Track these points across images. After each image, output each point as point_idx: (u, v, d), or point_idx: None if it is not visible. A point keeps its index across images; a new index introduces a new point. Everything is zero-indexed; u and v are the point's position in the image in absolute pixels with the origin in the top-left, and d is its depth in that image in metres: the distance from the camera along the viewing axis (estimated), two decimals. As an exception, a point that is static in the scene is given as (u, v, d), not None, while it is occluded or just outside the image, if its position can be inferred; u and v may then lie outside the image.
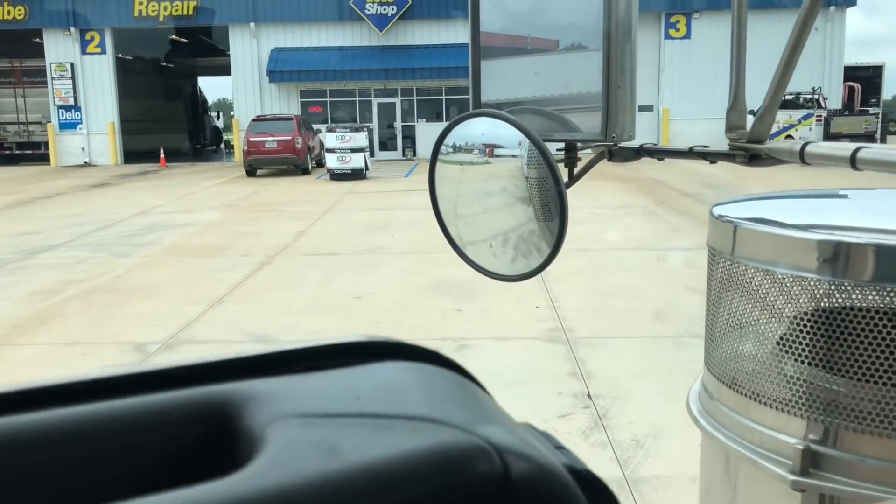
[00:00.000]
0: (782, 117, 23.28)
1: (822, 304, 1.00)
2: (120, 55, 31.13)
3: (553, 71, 1.31)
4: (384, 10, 29.06)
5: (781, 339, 1.04)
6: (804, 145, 1.03)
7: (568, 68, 1.29)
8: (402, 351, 0.40)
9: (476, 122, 1.22)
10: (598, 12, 1.18)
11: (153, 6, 29.41)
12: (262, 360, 0.37)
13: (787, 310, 1.03)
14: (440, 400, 0.36)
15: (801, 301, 1.02)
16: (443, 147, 1.25)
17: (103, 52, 30.19)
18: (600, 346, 5.99)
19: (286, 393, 0.34)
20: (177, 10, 29.47)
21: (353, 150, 21.33)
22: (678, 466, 3.98)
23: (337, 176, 21.44)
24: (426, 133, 30.39)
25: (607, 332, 6.30)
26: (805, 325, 1.00)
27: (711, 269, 1.17)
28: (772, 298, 1.04)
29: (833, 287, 0.99)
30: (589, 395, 5.00)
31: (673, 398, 4.90)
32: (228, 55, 31.11)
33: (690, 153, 1.17)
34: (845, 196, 1.39)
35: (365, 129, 22.64)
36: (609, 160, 1.28)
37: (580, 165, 1.32)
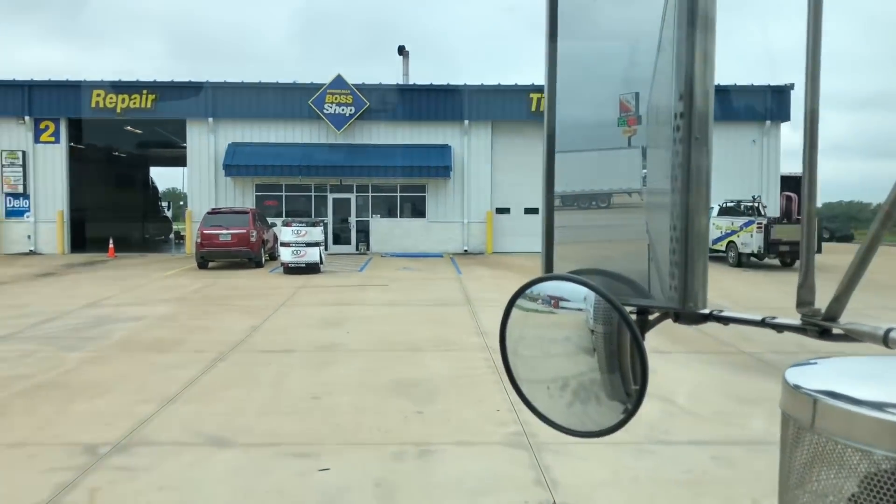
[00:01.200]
0: (724, 223, 24.15)
1: None
2: (72, 143, 31.03)
3: (621, 166, 1.37)
4: (342, 110, 29.76)
5: None
6: (888, 330, 1.02)
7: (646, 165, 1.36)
8: None
9: (552, 283, 1.31)
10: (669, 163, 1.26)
11: (111, 98, 29.59)
12: None
13: (881, 490, 0.99)
14: None
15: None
16: (519, 300, 1.33)
17: (57, 140, 30.08)
18: (563, 453, 5.99)
19: None
20: (135, 103, 29.68)
21: (309, 245, 21.38)
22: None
23: (291, 270, 21.39)
24: (380, 228, 30.72)
25: (570, 439, 6.30)
26: None
27: (790, 438, 1.14)
28: (862, 475, 1.00)
29: None
30: (554, 504, 4.97)
31: (638, 507, 4.92)
32: (183, 146, 31.29)
33: (762, 323, 1.18)
34: None
35: (321, 223, 22.77)
36: (675, 321, 1.31)
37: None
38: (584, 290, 1.25)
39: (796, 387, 1.11)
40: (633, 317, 1.28)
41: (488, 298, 15.79)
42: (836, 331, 1.11)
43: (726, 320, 1.25)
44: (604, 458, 5.87)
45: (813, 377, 1.14)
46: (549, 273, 1.41)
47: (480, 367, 9.12)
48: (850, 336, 1.09)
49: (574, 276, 1.29)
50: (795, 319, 1.16)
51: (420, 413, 7.18)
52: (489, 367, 9.08)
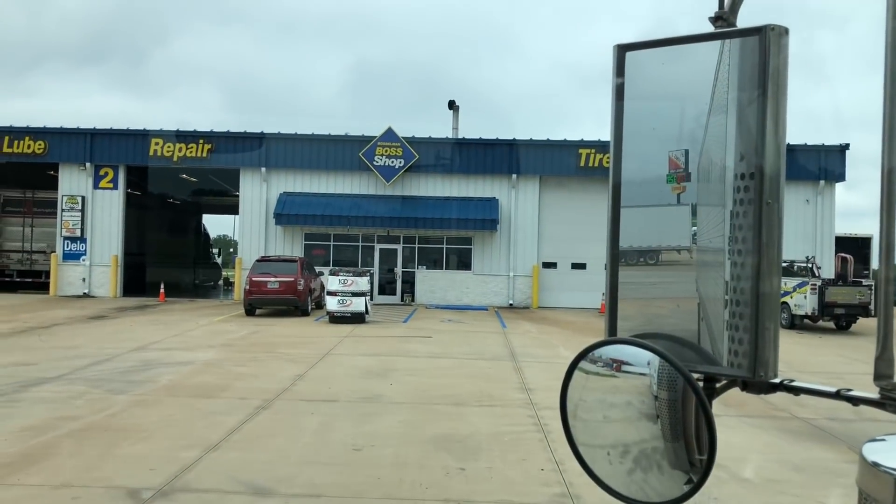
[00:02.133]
0: (777, 283, 23.61)
1: None
2: (129, 190, 31.96)
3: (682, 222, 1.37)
4: (392, 162, 30.17)
5: None
6: None
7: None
8: None
9: (615, 346, 1.28)
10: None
11: (168, 147, 30.49)
12: None
13: None
14: None
15: None
16: (582, 362, 1.31)
17: (115, 187, 31.01)
18: (609, 516, 5.81)
19: None
20: (191, 152, 30.53)
21: (355, 294, 21.49)
22: None
23: (336, 319, 21.49)
24: (425, 279, 30.77)
25: (614, 501, 6.12)
26: None
27: None
28: None
29: None
30: (599, 570, 4.81)
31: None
32: (235, 195, 31.97)
33: (836, 395, 1.14)
34: None
35: (368, 273, 22.92)
36: (742, 390, 1.28)
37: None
38: (647, 354, 1.22)
39: (875, 464, 1.06)
40: (700, 384, 1.24)
41: (533, 354, 15.62)
42: None
43: (798, 391, 1.21)
44: (651, 523, 5.68)
45: (893, 454, 1.09)
46: (612, 336, 1.39)
47: (524, 424, 8.97)
48: None
49: (639, 341, 1.26)
50: (873, 393, 1.11)
51: (462, 469, 7.07)
52: (533, 424, 8.92)
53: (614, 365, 1.28)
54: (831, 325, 23.37)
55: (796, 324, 23.11)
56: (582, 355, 1.30)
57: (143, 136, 30.67)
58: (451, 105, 33.83)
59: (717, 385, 1.31)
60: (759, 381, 1.23)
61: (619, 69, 1.41)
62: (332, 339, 17.62)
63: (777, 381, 1.23)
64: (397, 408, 9.87)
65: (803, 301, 22.65)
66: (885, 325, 1.12)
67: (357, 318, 21.54)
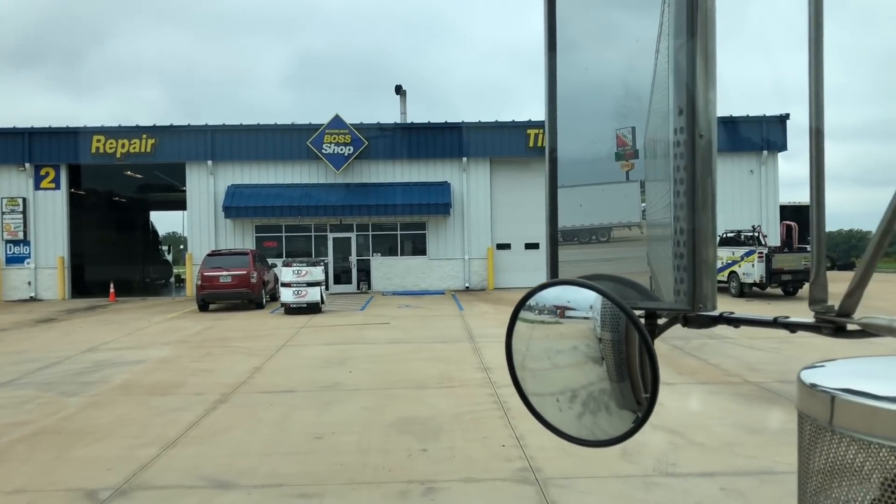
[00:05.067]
0: (725, 254, 24.13)
1: None
2: (73, 189, 31.17)
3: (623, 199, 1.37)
4: (341, 150, 29.95)
5: None
6: None
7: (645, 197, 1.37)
8: None
9: (556, 289, 1.28)
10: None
11: (111, 144, 29.79)
12: None
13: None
14: None
15: None
16: (521, 311, 1.30)
17: (57, 187, 30.23)
18: (571, 487, 5.89)
19: None
20: (134, 148, 29.88)
21: (310, 284, 21.34)
22: None
23: (292, 310, 21.32)
24: (381, 266, 30.70)
25: (576, 472, 6.22)
26: None
27: (808, 439, 1.12)
28: (884, 476, 0.98)
29: None
30: (563, 540, 4.88)
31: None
32: (182, 190, 31.42)
33: (774, 323, 1.16)
34: None
35: (322, 263, 22.75)
36: (684, 325, 1.28)
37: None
38: (590, 296, 1.23)
39: (813, 385, 1.08)
40: (642, 321, 1.25)
41: (491, 334, 15.71)
42: (850, 327, 1.09)
43: (737, 322, 1.23)
44: (611, 491, 5.78)
45: (829, 377, 1.11)
46: (553, 279, 1.39)
47: (485, 403, 9.03)
48: (866, 331, 1.06)
49: (580, 280, 1.27)
50: (808, 318, 1.14)
51: (425, 451, 7.09)
52: (493, 403, 8.99)
53: (558, 311, 1.29)
54: (779, 291, 23.97)
55: (745, 292, 23.64)
56: (524, 301, 1.30)
57: (84, 133, 29.89)
58: (398, 90, 33.65)
59: (659, 321, 1.33)
60: (699, 314, 1.24)
61: (551, 26, 1.42)
62: (289, 330, 17.48)
63: (716, 314, 1.25)
64: (358, 394, 9.85)
65: (751, 269, 23.18)
66: (817, 252, 1.14)
67: (313, 309, 21.41)
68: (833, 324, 1.10)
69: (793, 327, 1.15)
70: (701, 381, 9.92)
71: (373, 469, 6.55)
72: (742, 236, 25.26)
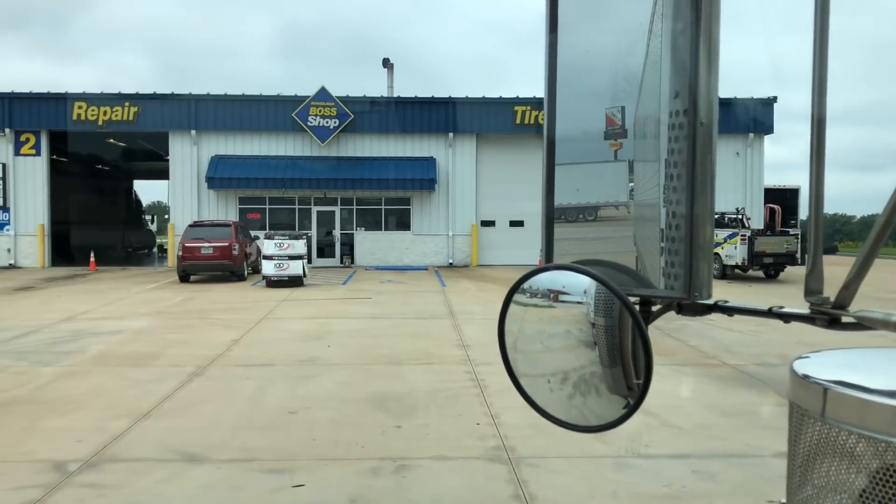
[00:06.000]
0: (709, 235, 24.14)
1: None
2: (54, 156, 30.77)
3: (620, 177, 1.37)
4: (327, 122, 29.69)
5: None
6: None
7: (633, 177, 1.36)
8: None
9: (551, 273, 1.29)
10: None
11: (92, 111, 29.39)
12: None
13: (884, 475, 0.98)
14: None
15: None
16: (515, 294, 1.31)
17: (38, 153, 29.83)
18: (542, 466, 5.89)
19: None
20: (116, 116, 29.49)
21: (292, 258, 21.23)
22: None
23: (273, 283, 21.22)
24: (365, 241, 30.60)
25: (549, 451, 6.21)
26: None
27: (798, 429, 1.11)
28: (873, 468, 0.98)
29: None
30: (532, 519, 4.87)
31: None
32: (166, 159, 31.10)
33: (768, 313, 1.15)
34: None
35: (304, 236, 22.62)
36: (678, 313, 1.28)
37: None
38: (584, 281, 1.23)
39: (805, 376, 1.08)
40: (636, 308, 1.25)
41: (472, 311, 15.70)
42: (845, 319, 1.08)
43: (731, 311, 1.23)
44: (583, 471, 5.78)
45: (822, 367, 1.12)
46: (548, 263, 1.38)
47: (461, 381, 9.02)
48: (861, 324, 1.06)
49: (575, 265, 1.26)
50: (804, 308, 1.13)
51: (399, 427, 7.07)
52: (470, 380, 8.98)
53: (552, 295, 1.29)
54: (761, 273, 24.11)
55: (727, 274, 23.76)
56: (518, 284, 1.30)
57: (66, 99, 29.45)
58: (386, 63, 33.35)
59: (654, 308, 1.33)
60: (694, 302, 1.24)
61: (553, 10, 1.39)
62: (269, 303, 17.39)
63: (711, 302, 1.24)
64: (334, 369, 9.81)
65: (734, 251, 23.28)
66: (815, 242, 1.12)
67: (295, 282, 21.31)
68: (828, 316, 1.09)
69: (787, 318, 1.15)
70: (679, 363, 9.95)
71: (345, 445, 6.53)
72: (726, 218, 25.34)
